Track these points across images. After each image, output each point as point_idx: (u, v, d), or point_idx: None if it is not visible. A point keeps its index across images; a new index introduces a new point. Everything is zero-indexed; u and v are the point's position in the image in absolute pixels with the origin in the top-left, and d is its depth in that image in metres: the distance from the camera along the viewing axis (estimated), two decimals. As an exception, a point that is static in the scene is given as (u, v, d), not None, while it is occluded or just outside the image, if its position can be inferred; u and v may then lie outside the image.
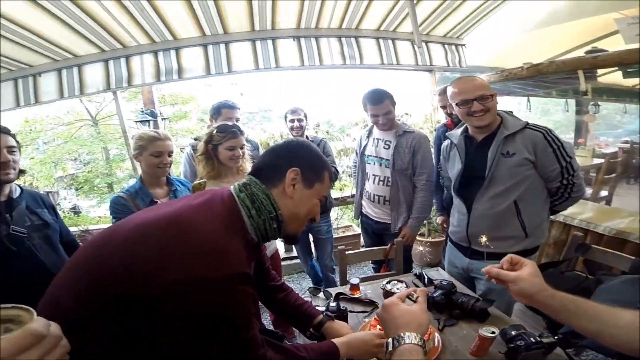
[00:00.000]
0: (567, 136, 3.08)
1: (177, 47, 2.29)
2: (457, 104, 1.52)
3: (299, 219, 0.91)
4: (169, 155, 1.73)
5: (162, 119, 3.04)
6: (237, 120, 2.46)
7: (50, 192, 8.20)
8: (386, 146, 2.22)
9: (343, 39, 2.45)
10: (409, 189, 2.21)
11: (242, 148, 1.84)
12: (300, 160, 0.90)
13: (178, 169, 2.70)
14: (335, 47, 2.43)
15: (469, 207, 1.61)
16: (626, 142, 2.61)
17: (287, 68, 2.36)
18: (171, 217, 0.75)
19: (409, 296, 0.81)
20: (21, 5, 1.62)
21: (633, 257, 1.48)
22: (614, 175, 2.67)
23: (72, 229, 3.44)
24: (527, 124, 1.49)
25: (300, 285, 3.21)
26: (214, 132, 1.78)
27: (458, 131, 1.70)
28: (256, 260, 1.01)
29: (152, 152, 1.66)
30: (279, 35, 2.34)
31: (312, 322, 1.12)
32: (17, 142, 1.32)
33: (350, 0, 2.10)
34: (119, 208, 1.63)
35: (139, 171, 1.86)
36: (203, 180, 1.74)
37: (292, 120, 2.52)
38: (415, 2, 2.03)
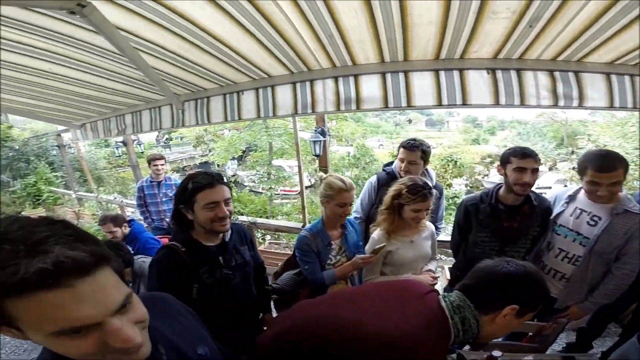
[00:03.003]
0: None
1: (356, 74, 2.26)
2: None
3: (495, 337, 1.06)
4: (351, 205, 1.81)
5: (328, 135, 3.22)
6: None
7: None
8: (592, 222, 1.79)
9: (557, 74, 1.93)
10: (599, 273, 1.81)
11: (427, 210, 1.77)
12: (523, 297, 0.95)
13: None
14: (544, 83, 1.94)
15: None
16: None
17: (475, 106, 2.01)
18: (398, 339, 0.90)
19: None
20: (228, 26, 1.80)
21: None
22: None
23: (241, 217, 4.04)
24: None
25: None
26: (404, 190, 1.74)
27: None
28: None
29: (338, 202, 1.79)
30: (469, 67, 2.02)
31: None
32: (230, 189, 1.50)
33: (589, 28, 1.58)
34: (303, 247, 1.86)
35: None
36: (382, 245, 1.78)
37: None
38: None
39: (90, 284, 0.53)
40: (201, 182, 1.35)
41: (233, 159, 12.91)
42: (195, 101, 2.95)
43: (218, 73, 2.50)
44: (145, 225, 4.08)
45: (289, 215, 9.48)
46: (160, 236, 3.44)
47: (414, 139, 2.36)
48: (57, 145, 8.36)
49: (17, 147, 10.64)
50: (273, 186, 10.61)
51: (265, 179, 10.81)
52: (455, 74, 2.05)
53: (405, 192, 1.76)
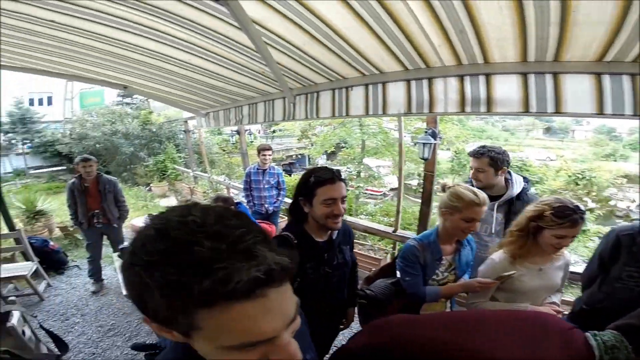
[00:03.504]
0: None
1: (487, 73, 1.99)
2: None
3: None
4: (477, 221, 1.60)
5: (439, 137, 2.97)
6: None
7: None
8: None
9: None
10: None
11: (574, 237, 1.48)
12: None
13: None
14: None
15: None
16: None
17: (574, 114, 1.70)
18: None
19: None
20: (346, 17, 1.71)
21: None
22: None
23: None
24: None
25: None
26: (548, 212, 1.48)
27: None
28: None
29: (465, 216, 1.59)
30: (565, 70, 1.71)
31: None
32: (347, 186, 1.46)
33: None
34: (409, 257, 1.68)
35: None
36: (511, 273, 1.56)
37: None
38: None
39: (279, 294, 0.46)
40: (323, 177, 1.34)
41: (325, 153, 13.29)
42: (305, 95, 3.01)
43: (329, 66, 2.46)
44: (248, 207, 4.43)
45: (372, 216, 9.33)
46: (258, 220, 3.67)
47: (483, 146, 2.34)
48: (183, 130, 9.79)
49: (154, 130, 12.83)
50: (362, 185, 10.57)
51: (355, 177, 10.82)
52: (625, 79, 1.63)
53: (550, 214, 1.49)
